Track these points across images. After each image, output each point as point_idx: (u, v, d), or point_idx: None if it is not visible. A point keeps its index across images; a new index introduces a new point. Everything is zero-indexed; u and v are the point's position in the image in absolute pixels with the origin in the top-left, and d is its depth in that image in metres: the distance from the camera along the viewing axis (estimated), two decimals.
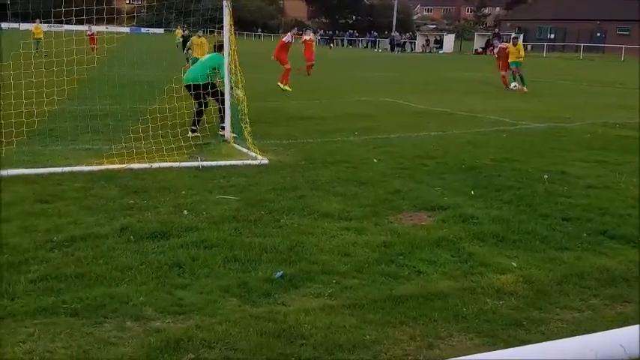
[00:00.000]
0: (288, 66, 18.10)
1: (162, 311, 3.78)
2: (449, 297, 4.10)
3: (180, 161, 7.89)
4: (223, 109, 9.62)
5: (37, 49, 20.21)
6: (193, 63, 18.65)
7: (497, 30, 65.58)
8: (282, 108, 13.96)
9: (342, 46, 71.72)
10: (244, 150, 8.79)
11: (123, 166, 7.50)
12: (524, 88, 19.17)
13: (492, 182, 7.26)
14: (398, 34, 66.23)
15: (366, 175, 7.53)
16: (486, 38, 59.60)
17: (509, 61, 19.83)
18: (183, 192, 6.51)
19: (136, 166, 7.55)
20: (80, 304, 3.80)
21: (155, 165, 7.64)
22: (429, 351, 3.45)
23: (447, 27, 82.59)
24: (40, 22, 25.89)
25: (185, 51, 21.74)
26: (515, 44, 20.09)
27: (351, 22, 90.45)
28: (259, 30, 76.91)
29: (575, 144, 10.08)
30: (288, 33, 19.18)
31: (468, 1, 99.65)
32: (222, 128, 9.77)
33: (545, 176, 7.48)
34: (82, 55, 11.11)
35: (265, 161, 8.15)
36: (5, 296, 3.88)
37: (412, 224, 5.69)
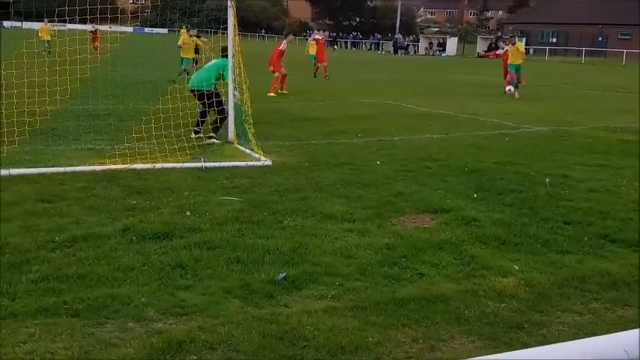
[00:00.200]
0: (283, 71, 17.56)
1: (164, 312, 3.78)
2: (451, 299, 4.10)
3: (183, 162, 7.89)
4: (220, 119, 9.55)
5: (49, 51, 19.91)
6: (182, 62, 18.63)
7: (499, 33, 65.60)
8: (286, 109, 13.97)
9: (346, 48, 71.73)
10: (247, 151, 8.79)
11: (125, 166, 7.50)
12: (516, 94, 18.35)
13: (495, 185, 7.25)
14: (401, 36, 66.25)
15: (369, 177, 7.53)
16: (489, 41, 59.63)
17: (508, 63, 19.09)
18: (186, 193, 6.51)
19: (138, 166, 7.55)
20: (82, 305, 3.79)
21: (158, 165, 7.64)
22: (431, 353, 3.45)
23: (450, 30, 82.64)
24: (47, 23, 25.53)
25: (196, 53, 21.47)
26: (513, 44, 19.41)
27: (354, 24, 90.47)
28: (263, 31, 76.99)
29: (577, 148, 10.07)
30: (284, 40, 18.75)
31: (471, 4, 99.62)
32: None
33: (547, 180, 7.47)
34: (86, 54, 11.13)
35: (268, 162, 8.15)
36: (6, 296, 3.88)
37: (415, 227, 5.69)
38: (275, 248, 4.93)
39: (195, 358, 3.28)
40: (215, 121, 9.63)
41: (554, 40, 65.65)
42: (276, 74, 17.39)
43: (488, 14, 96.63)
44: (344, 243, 5.16)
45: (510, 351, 3.19)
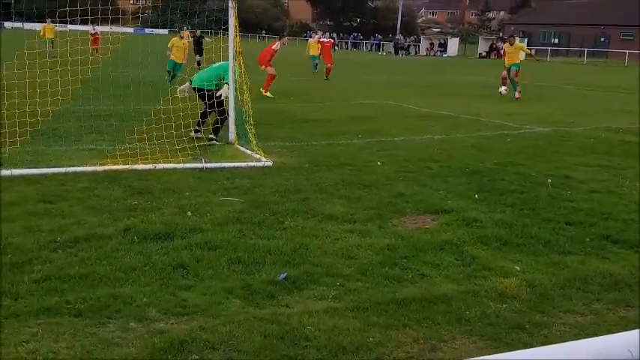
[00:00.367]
0: (272, 71, 17.08)
1: (166, 312, 3.79)
2: (452, 300, 4.10)
3: (184, 162, 7.90)
4: (220, 119, 9.56)
5: (51, 49, 19.84)
6: (175, 67, 18.38)
7: (501, 34, 65.57)
8: (286, 110, 13.97)
9: (346, 48, 71.73)
10: (248, 152, 8.80)
11: (127, 166, 7.51)
12: (517, 94, 17.66)
13: (496, 186, 7.25)
14: (402, 37, 66.25)
15: (370, 178, 7.53)
16: (490, 42, 59.62)
17: (507, 63, 18.05)
18: (187, 193, 6.52)
19: (139, 167, 7.56)
20: (84, 305, 3.80)
21: (159, 166, 7.65)
22: (432, 354, 3.45)
23: (451, 30, 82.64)
24: (51, 22, 25.35)
25: (197, 54, 20.87)
26: (512, 44, 18.23)
27: (355, 24, 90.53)
28: (264, 32, 77.03)
29: (579, 148, 10.07)
30: (278, 41, 18.37)
31: (472, 4, 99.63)
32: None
33: (549, 180, 7.47)
34: (87, 55, 11.16)
35: (269, 163, 8.15)
36: (9, 296, 3.89)
37: (416, 227, 5.69)
38: (276, 249, 4.93)
39: (197, 357, 3.28)
40: (215, 122, 9.63)
41: (556, 40, 65.65)
42: (269, 70, 16.97)
43: (490, 15, 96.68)
44: (345, 244, 5.16)
45: (512, 351, 3.19)
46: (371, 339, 3.55)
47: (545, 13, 69.65)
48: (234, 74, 9.47)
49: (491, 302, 4.11)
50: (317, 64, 26.46)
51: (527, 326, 3.81)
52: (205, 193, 6.59)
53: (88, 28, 23.38)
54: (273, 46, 17.41)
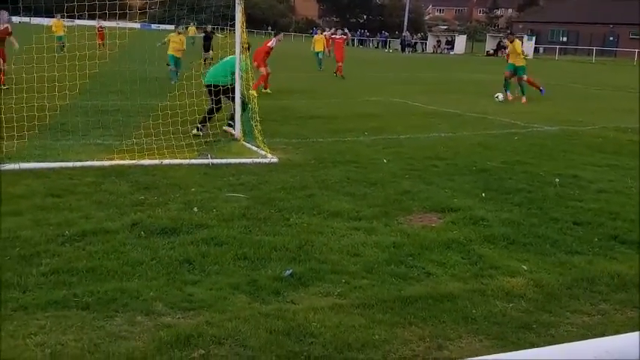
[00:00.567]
0: (266, 70, 16.51)
1: (172, 307, 3.80)
2: (458, 299, 4.10)
3: (191, 158, 7.92)
4: (210, 111, 9.62)
5: (61, 47, 19.77)
6: (175, 62, 18.13)
7: (509, 31, 65.26)
8: (292, 107, 13.97)
9: (353, 45, 71.60)
10: (254, 148, 8.81)
11: (133, 162, 7.53)
12: (523, 98, 16.42)
13: (503, 185, 7.23)
14: (409, 34, 66.04)
15: (376, 175, 7.53)
16: (498, 40, 59.36)
17: (509, 62, 17.06)
18: (193, 189, 6.53)
19: (146, 162, 7.59)
20: (91, 298, 3.82)
21: (165, 162, 7.67)
22: (438, 352, 3.45)
23: (458, 28, 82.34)
24: (61, 18, 25.13)
25: (206, 50, 20.51)
26: (512, 41, 17.16)
27: (361, 21, 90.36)
28: (270, 28, 76.99)
29: (587, 148, 10.03)
30: (274, 38, 17.34)
31: (480, 2, 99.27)
32: (230, 125, 9.75)
33: (557, 180, 7.45)
34: (94, 50, 11.16)
35: (275, 160, 8.16)
36: (17, 289, 3.91)
37: (422, 225, 5.68)
38: (281, 245, 4.94)
39: (203, 352, 3.30)
40: (209, 112, 9.73)
41: (565, 39, 65.33)
42: (265, 70, 16.50)
43: (498, 12, 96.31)
44: (350, 241, 5.16)
45: (519, 350, 3.18)
46: (377, 336, 3.55)
47: (554, 11, 69.28)
48: (241, 70, 9.48)
49: (497, 301, 4.10)
50: (321, 61, 26.34)
51: (534, 326, 3.80)
52: (211, 189, 6.61)
53: (94, 23, 23.32)
54: (269, 44, 16.96)
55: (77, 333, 3.41)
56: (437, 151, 9.23)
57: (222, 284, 4.17)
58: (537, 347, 3.01)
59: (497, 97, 16.57)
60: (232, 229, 5.26)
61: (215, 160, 7.87)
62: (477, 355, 3.05)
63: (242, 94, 9.50)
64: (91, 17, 11.69)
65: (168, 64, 18.00)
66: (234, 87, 9.53)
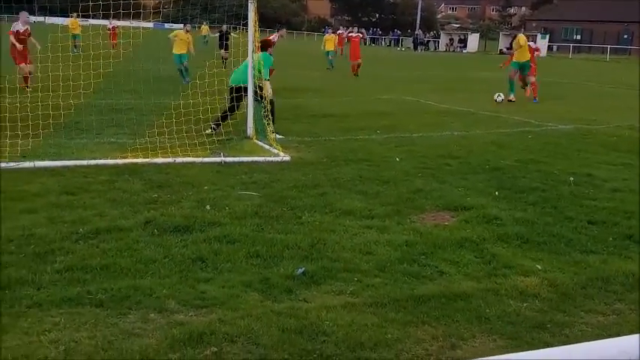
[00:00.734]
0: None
1: (185, 304, 3.82)
2: (472, 298, 4.08)
3: (203, 157, 7.95)
4: (270, 110, 9.69)
5: (75, 45, 19.80)
6: (180, 60, 17.89)
7: (522, 30, 64.78)
8: (304, 105, 13.97)
9: (365, 44, 71.46)
10: (266, 147, 8.82)
11: (147, 160, 7.58)
12: (512, 96, 15.67)
13: (517, 183, 7.18)
14: (421, 32, 65.78)
15: (388, 173, 7.50)
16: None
17: (513, 60, 16.17)
18: (205, 187, 6.55)
19: (159, 160, 7.63)
20: (105, 295, 3.85)
21: (178, 160, 7.71)
22: (452, 351, 3.43)
23: (471, 26, 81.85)
24: (78, 17, 25.11)
25: (222, 49, 20.39)
26: (514, 37, 16.47)
27: (374, 20, 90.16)
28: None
29: (601, 146, 9.93)
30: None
31: (493, 0, 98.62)
32: (213, 129, 9.71)
33: (571, 178, 7.38)
34: (108, 49, 11.26)
35: (287, 158, 8.16)
36: (32, 286, 3.94)
37: (435, 224, 5.66)
38: (294, 243, 4.94)
39: (216, 350, 3.30)
40: (225, 112, 9.76)
41: (579, 37, 64.77)
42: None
43: (511, 10, 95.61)
44: (363, 239, 5.15)
45: (533, 350, 3.16)
46: (389, 335, 3.54)
47: (567, 10, 68.66)
48: (254, 69, 9.50)
49: (511, 301, 4.07)
50: (332, 60, 26.26)
51: (548, 326, 3.77)
52: (224, 187, 6.62)
53: (104, 22, 23.37)
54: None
55: (91, 330, 3.44)
56: (450, 149, 9.18)
57: (234, 282, 4.17)
58: (551, 347, 2.99)
59: (497, 96, 15.71)
60: (245, 227, 5.27)
61: (227, 159, 7.89)
62: (490, 355, 3.03)
63: (255, 93, 9.52)
64: (106, 17, 11.76)
65: (183, 65, 17.62)
66: (260, 86, 9.55)
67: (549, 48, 57.02)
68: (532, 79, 16.35)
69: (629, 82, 25.54)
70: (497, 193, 6.71)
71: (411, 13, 78.42)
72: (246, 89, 9.57)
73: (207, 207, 5.82)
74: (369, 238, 5.19)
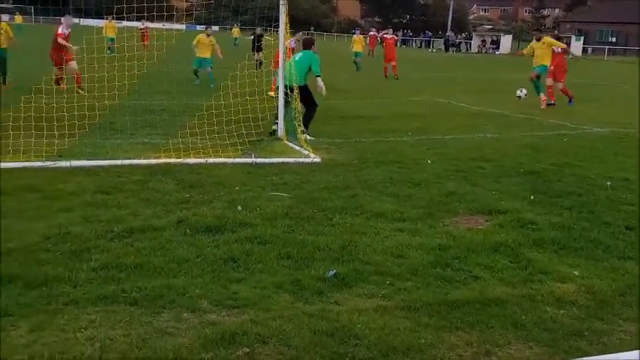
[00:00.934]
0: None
1: (217, 304, 3.83)
2: (507, 304, 4.00)
3: (234, 157, 8.00)
4: (310, 112, 9.80)
5: (109, 47, 20.02)
6: (200, 64, 17.24)
7: (556, 32, 63.75)
8: (335, 106, 13.94)
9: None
10: (297, 148, 8.83)
11: (179, 160, 7.66)
12: (543, 97, 14.85)
13: (552, 187, 7.04)
14: (453, 34, 65.23)
15: (420, 176, 7.44)
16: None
17: (535, 63, 15.23)
18: (237, 188, 6.59)
19: (191, 160, 7.70)
20: (139, 294, 3.89)
21: (210, 160, 7.77)
22: (486, 358, 3.37)
23: (504, 28, 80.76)
24: (113, 19, 25.19)
25: (255, 52, 19.82)
26: (539, 39, 15.36)
27: (404, 21, 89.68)
28: (312, 28, 77.22)
29: (637, 150, 9.67)
30: (293, 38, 16.53)
31: (526, 1, 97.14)
32: (303, 132, 9.82)
33: (608, 183, 7.20)
34: (142, 51, 11.41)
35: (318, 159, 8.16)
36: (68, 283, 4.01)
37: (468, 228, 5.58)
38: (325, 245, 4.92)
39: (248, 350, 3.30)
40: (305, 116, 9.82)
41: (614, 39, 63.38)
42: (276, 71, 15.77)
43: (545, 12, 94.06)
44: (394, 242, 5.10)
45: (571, 359, 3.07)
46: (422, 340, 3.49)
47: (602, 11, 67.23)
48: (285, 70, 9.52)
49: (548, 307, 3.99)
50: (359, 61, 26.07)
51: (585, 333, 3.67)
52: (254, 187, 6.65)
53: (137, 24, 23.53)
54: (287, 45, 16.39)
55: (126, 328, 3.47)
56: (483, 152, 9.06)
57: (266, 283, 4.17)
58: (589, 356, 2.90)
59: (521, 92, 15.23)
60: (276, 228, 5.28)
61: (258, 160, 7.93)
62: None
63: (286, 94, 9.54)
64: (140, 19, 11.94)
65: (206, 70, 17.25)
66: (307, 86, 9.57)
67: (584, 50, 55.93)
68: (560, 85, 15.36)
69: None
70: (532, 197, 6.59)
71: (443, 14, 77.81)
72: (297, 88, 9.62)
73: (239, 207, 5.84)
74: (400, 241, 5.14)
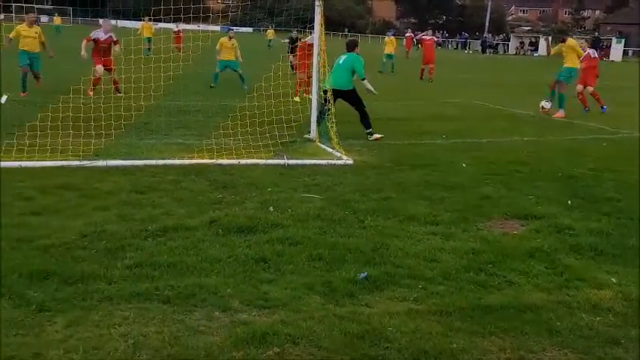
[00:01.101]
0: (305, 74, 14.06)
1: (248, 304, 3.85)
2: (542, 310, 3.92)
3: (267, 159, 8.04)
4: (362, 112, 9.95)
5: (148, 48, 20.12)
6: (225, 67, 16.79)
7: (596, 34, 62.36)
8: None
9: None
10: (329, 149, 8.82)
11: (212, 161, 7.74)
12: (561, 112, 13.72)
13: (591, 193, 6.88)
14: (490, 35, 64.38)
15: (454, 179, 7.34)
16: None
17: (565, 66, 14.14)
18: (269, 189, 6.61)
19: (224, 161, 7.77)
20: (172, 292, 3.93)
21: (243, 161, 7.83)
22: None
23: (543, 29, 79.28)
24: (150, 21, 25.29)
25: (290, 54, 20.50)
26: (563, 40, 14.55)
27: (441, 22, 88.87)
28: (346, 30, 77.23)
29: (638, 153, 9.37)
30: (310, 36, 15.83)
31: (566, 2, 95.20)
32: (370, 134, 9.93)
33: None
34: (178, 52, 11.60)
35: (350, 161, 8.14)
36: (103, 280, 4.08)
37: (503, 232, 5.48)
38: (356, 247, 4.90)
39: (278, 350, 3.31)
40: (363, 116, 10.01)
41: None
42: (300, 75, 14.31)
43: (585, 13, 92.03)
44: (427, 246, 5.05)
45: None
46: (454, 345, 3.44)
47: None
48: (325, 74, 9.54)
49: (584, 314, 3.89)
50: (393, 64, 25.87)
51: (622, 341, 3.58)
52: (286, 189, 6.66)
53: (172, 25, 23.60)
54: (308, 40, 14.04)
55: (158, 325, 3.52)
56: (520, 155, 8.91)
57: (296, 284, 4.18)
58: None
59: (546, 103, 14.10)
60: (307, 230, 5.28)
61: (290, 161, 7.95)
62: None
63: (320, 96, 9.55)
64: (176, 20, 12.11)
65: (237, 72, 16.91)
66: (325, 90, 9.62)
67: (624, 53, 54.49)
68: (591, 88, 14.61)
69: None
70: (569, 202, 6.44)
71: (480, 15, 76.87)
72: (337, 93, 9.70)
73: (271, 208, 5.86)
74: (433, 244, 5.08)
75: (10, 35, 13.02)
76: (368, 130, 9.99)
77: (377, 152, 8.91)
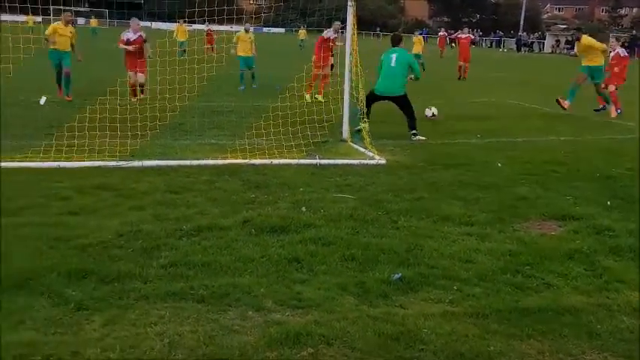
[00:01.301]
0: (321, 70, 13.79)
1: (281, 304, 3.85)
2: (581, 313, 3.83)
3: (299, 159, 8.04)
4: (410, 114, 9.97)
5: (184, 50, 20.14)
6: (245, 63, 16.25)
7: (634, 32, 60.74)
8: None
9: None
10: (362, 149, 8.79)
11: (245, 161, 7.78)
12: (566, 103, 13.51)
13: (630, 193, 6.69)
14: (525, 33, 63.33)
15: (489, 179, 7.23)
16: (622, 40, 55.32)
17: (583, 64, 13.68)
18: (301, 189, 6.61)
19: (257, 161, 7.81)
20: (206, 291, 3.96)
21: (275, 161, 7.85)
22: None
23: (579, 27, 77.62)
24: (184, 22, 24.85)
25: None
26: (578, 38, 14.03)
27: (474, 20, 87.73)
28: (378, 29, 76.85)
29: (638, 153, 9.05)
30: (330, 28, 13.97)
31: (602, 0, 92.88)
32: (414, 135, 9.91)
33: None
34: (211, 53, 11.71)
35: (382, 161, 8.09)
36: (139, 279, 4.13)
37: (540, 233, 5.37)
38: (389, 248, 4.86)
39: (312, 351, 3.30)
40: (410, 118, 10.02)
41: None
42: (319, 70, 13.78)
43: (622, 11, 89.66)
44: (462, 247, 4.98)
45: None
46: (491, 348, 3.38)
47: None
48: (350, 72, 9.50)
49: (624, 317, 3.79)
50: (422, 63, 25.55)
51: None
52: (319, 189, 6.65)
53: (203, 26, 23.49)
54: (325, 34, 13.94)
55: (193, 325, 3.54)
56: (556, 155, 8.72)
57: (330, 284, 4.16)
58: None
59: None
60: (340, 230, 5.26)
61: (322, 161, 7.94)
62: None
63: (352, 95, 9.52)
64: (210, 22, 12.21)
65: (251, 70, 16.84)
66: (406, 94, 9.66)
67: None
68: (612, 88, 13.88)
69: None
70: (608, 202, 6.27)
71: (514, 13, 75.67)
72: (391, 98, 9.78)
73: (303, 209, 5.86)
74: (468, 245, 5.01)
75: (47, 33, 13.10)
76: (413, 131, 9.91)
77: (410, 152, 8.83)
